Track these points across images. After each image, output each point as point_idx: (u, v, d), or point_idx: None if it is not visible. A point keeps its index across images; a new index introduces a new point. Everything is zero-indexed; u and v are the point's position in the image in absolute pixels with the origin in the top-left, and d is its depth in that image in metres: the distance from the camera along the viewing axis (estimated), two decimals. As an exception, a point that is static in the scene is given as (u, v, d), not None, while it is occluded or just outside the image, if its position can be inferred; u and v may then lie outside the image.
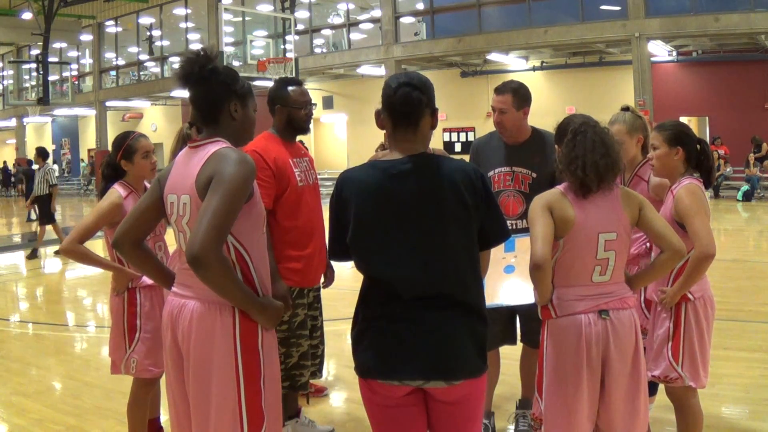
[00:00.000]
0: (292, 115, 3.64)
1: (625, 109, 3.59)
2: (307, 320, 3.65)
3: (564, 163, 2.67)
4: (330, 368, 5.40)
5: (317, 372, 3.86)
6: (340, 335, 6.09)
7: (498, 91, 3.59)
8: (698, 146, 3.14)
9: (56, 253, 11.67)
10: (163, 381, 3.58)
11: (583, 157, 2.61)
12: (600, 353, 2.59)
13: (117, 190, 3.43)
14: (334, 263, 3.74)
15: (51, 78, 24.04)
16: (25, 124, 35.52)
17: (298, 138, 3.89)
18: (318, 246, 3.65)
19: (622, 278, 2.70)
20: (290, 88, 3.66)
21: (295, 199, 3.54)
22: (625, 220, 2.64)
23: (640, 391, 2.66)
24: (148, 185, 3.59)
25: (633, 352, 2.64)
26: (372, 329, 2.21)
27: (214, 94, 2.34)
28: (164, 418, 4.05)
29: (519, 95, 3.54)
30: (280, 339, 3.36)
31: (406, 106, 2.21)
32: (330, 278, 3.94)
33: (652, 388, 3.60)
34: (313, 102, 3.77)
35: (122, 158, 3.48)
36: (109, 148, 3.63)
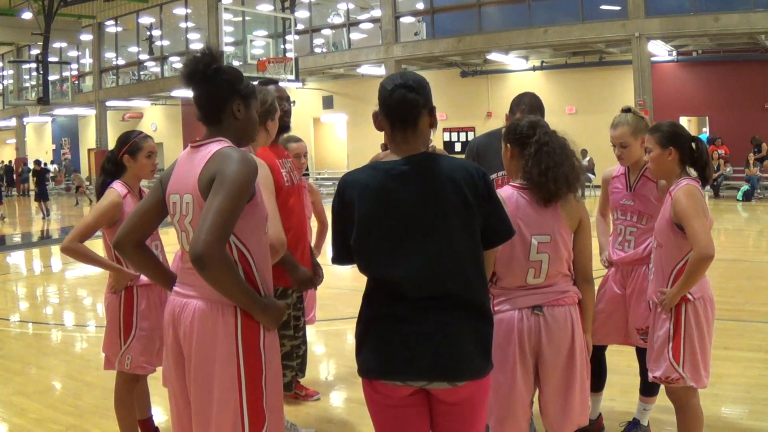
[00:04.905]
0: None
1: (627, 110, 3.57)
2: (290, 320, 3.62)
3: (535, 172, 2.71)
4: (330, 368, 5.40)
5: (299, 372, 3.81)
6: (340, 335, 6.09)
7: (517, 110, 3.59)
8: (692, 144, 3.14)
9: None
10: (154, 379, 3.61)
11: (554, 170, 2.68)
12: (532, 346, 2.71)
13: (116, 190, 3.44)
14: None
15: (51, 78, 24.07)
16: (25, 124, 35.54)
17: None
18: (302, 246, 3.62)
19: (561, 279, 2.76)
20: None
21: (282, 200, 3.49)
22: (563, 226, 2.72)
23: (574, 387, 2.73)
24: (143, 189, 3.60)
25: (568, 348, 2.72)
26: (376, 330, 2.21)
27: (218, 94, 2.34)
28: (164, 418, 4.06)
29: (540, 110, 3.58)
30: None
31: (403, 108, 2.20)
32: (319, 276, 3.80)
33: (654, 388, 3.60)
34: (291, 100, 3.71)
35: (126, 153, 3.49)
36: (110, 147, 3.64)
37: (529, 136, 2.76)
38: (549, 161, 2.69)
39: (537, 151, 2.72)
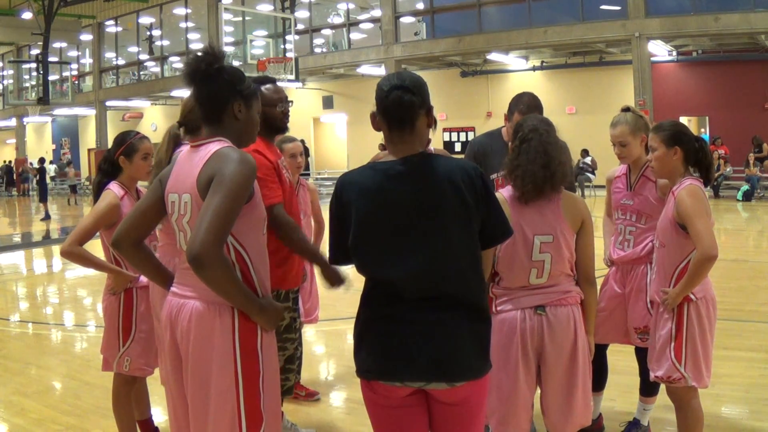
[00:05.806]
0: (267, 114, 3.40)
1: (626, 109, 3.59)
2: (292, 323, 3.61)
3: (507, 170, 2.77)
4: (330, 368, 5.40)
5: (297, 374, 3.79)
6: (340, 335, 6.09)
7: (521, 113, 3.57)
8: (696, 144, 3.14)
9: None
10: (154, 380, 3.61)
11: (524, 167, 2.71)
12: (535, 346, 2.73)
13: (113, 191, 3.43)
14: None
15: (51, 78, 24.02)
16: (25, 123, 35.52)
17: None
18: None
19: (563, 279, 2.77)
20: (262, 87, 3.49)
21: (286, 200, 3.48)
22: (565, 225, 2.73)
23: (576, 387, 2.75)
24: (141, 189, 3.59)
25: (570, 348, 2.73)
26: (374, 330, 2.21)
27: (219, 93, 2.34)
28: (164, 418, 4.06)
29: (539, 109, 3.58)
30: None
31: (399, 110, 2.19)
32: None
33: (654, 388, 3.60)
34: (289, 99, 3.67)
35: (122, 155, 3.48)
36: (110, 147, 3.63)
37: (516, 135, 2.81)
38: (520, 159, 2.73)
39: (515, 149, 2.78)
